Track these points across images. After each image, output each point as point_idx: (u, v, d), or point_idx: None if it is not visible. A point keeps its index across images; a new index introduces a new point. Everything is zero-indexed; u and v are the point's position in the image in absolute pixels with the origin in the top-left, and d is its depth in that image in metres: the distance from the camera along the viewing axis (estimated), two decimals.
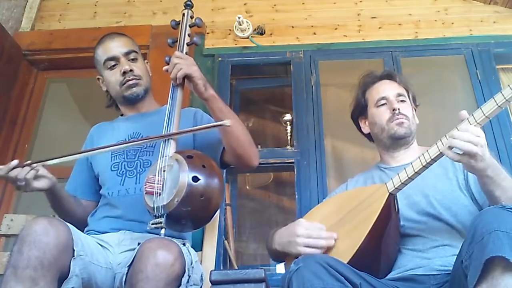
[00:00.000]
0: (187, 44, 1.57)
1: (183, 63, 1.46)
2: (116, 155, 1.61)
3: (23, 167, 1.40)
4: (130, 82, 1.66)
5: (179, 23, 1.64)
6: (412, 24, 2.96)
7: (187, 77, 1.46)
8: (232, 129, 1.45)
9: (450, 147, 1.19)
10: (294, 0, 3.09)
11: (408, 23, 2.97)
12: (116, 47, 1.69)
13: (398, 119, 1.57)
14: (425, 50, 2.86)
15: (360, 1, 3.08)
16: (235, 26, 2.91)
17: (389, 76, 1.69)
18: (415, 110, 1.69)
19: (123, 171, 1.57)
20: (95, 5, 3.17)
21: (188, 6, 1.66)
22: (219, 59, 2.89)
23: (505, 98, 1.17)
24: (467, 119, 1.23)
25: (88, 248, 1.32)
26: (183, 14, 1.64)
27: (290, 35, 2.97)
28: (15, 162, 1.40)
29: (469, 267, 1.02)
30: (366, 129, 1.71)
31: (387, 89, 1.64)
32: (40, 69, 3.04)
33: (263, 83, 3.25)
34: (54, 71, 3.07)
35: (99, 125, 1.80)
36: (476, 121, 1.21)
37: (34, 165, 1.42)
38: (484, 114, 1.20)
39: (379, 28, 2.97)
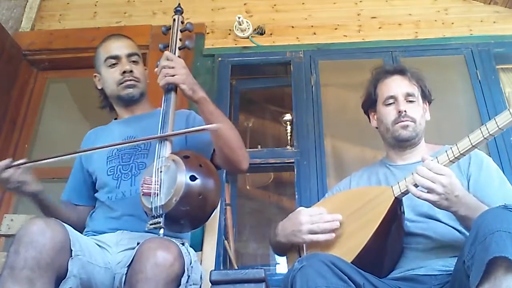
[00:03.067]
0: (179, 48, 1.58)
1: (170, 70, 1.45)
2: (112, 159, 1.61)
3: (17, 166, 1.41)
4: (128, 83, 1.67)
5: (170, 28, 1.65)
6: (412, 24, 2.96)
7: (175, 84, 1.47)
8: (222, 132, 1.46)
9: (415, 183, 1.25)
10: (294, 0, 3.09)
11: (408, 23, 2.97)
12: (119, 47, 1.71)
13: (403, 121, 1.55)
14: (425, 50, 2.86)
15: (360, 1, 3.08)
16: (235, 26, 2.91)
17: (401, 72, 1.64)
18: (429, 104, 1.66)
19: (118, 175, 1.57)
20: (95, 5, 3.17)
21: (178, 11, 1.67)
22: (219, 59, 2.89)
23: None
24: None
25: (86, 248, 1.32)
26: (174, 20, 1.65)
27: (290, 35, 2.97)
28: (6, 162, 1.41)
29: (472, 267, 1.02)
30: (374, 123, 1.69)
31: (397, 86, 1.61)
32: (40, 69, 3.03)
33: (263, 83, 3.25)
34: (54, 71, 3.07)
35: (94, 129, 1.80)
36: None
37: (26, 164, 1.42)
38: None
39: (379, 28, 2.97)
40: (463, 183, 1.43)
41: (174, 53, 1.56)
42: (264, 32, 2.96)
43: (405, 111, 1.55)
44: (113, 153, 1.61)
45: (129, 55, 1.70)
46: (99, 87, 1.76)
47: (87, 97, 3.23)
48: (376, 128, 1.70)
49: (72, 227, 1.50)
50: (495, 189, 1.40)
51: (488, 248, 0.98)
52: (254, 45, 2.93)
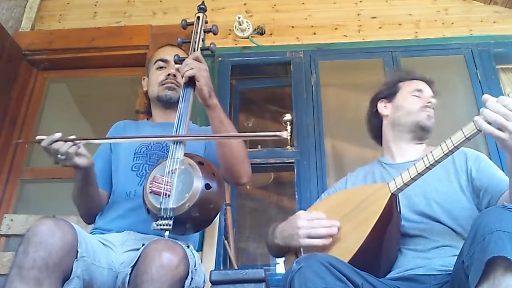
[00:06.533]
0: (201, 49, 1.57)
1: (194, 64, 1.45)
2: (139, 156, 1.61)
3: (65, 141, 1.39)
4: (169, 85, 1.72)
5: (191, 25, 1.63)
6: (412, 24, 2.97)
7: (195, 79, 1.45)
8: (230, 141, 1.47)
9: (485, 118, 1.12)
10: (294, 0, 3.09)
11: (408, 23, 2.97)
12: (171, 53, 1.71)
13: (429, 111, 1.62)
14: (425, 50, 2.86)
15: (360, 1, 3.08)
16: (235, 26, 2.91)
17: (428, 82, 1.72)
18: None
19: (143, 173, 1.57)
20: (95, 5, 3.17)
21: (202, 9, 1.66)
22: (219, 59, 2.89)
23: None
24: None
25: (91, 249, 1.32)
26: (198, 18, 1.64)
27: (290, 35, 2.97)
28: (58, 134, 1.40)
29: (471, 267, 1.02)
30: (384, 111, 1.71)
31: (425, 87, 1.68)
32: (40, 69, 3.03)
33: (263, 83, 3.25)
34: (54, 71, 3.07)
35: (124, 122, 1.81)
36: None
37: (77, 141, 1.41)
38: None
39: (379, 28, 2.97)
40: (461, 181, 1.44)
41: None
42: (264, 32, 2.96)
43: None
44: (141, 150, 1.62)
45: None
46: (145, 89, 1.82)
47: (87, 97, 3.24)
48: (374, 122, 1.72)
49: (95, 209, 1.57)
50: (499, 174, 1.41)
51: (487, 248, 0.98)
52: (254, 45, 2.93)
